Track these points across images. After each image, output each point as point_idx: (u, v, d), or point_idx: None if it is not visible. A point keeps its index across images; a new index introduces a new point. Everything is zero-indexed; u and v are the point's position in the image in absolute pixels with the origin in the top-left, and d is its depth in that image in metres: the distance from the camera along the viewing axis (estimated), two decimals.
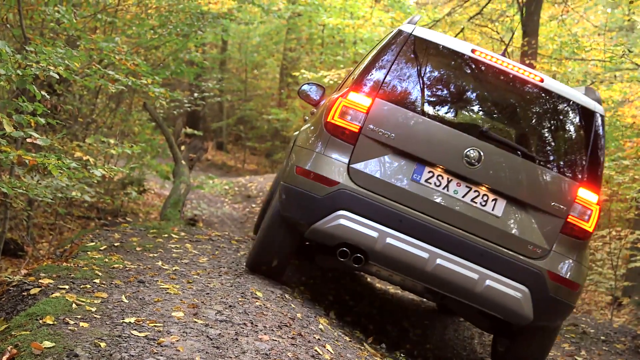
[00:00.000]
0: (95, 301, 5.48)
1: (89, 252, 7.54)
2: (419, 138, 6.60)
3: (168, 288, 6.11)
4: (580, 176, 6.74)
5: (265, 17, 30.21)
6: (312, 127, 7.24)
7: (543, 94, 6.96)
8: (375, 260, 6.64)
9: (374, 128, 6.57)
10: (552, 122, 7.13)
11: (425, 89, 6.91)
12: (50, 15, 9.27)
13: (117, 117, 14.57)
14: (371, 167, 6.58)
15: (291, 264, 8.70)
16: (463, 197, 6.58)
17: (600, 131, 6.88)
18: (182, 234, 9.45)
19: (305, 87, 8.50)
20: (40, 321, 4.87)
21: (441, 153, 6.58)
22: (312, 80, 21.37)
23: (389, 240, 6.45)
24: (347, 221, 6.48)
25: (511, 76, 6.88)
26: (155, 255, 7.79)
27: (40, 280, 6.03)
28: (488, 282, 6.49)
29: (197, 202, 20.03)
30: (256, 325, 5.31)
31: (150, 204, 17.54)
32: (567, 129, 7.15)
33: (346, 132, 6.60)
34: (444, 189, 6.58)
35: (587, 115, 6.89)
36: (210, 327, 5.08)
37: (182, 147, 17.26)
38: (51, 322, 4.84)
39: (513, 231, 6.61)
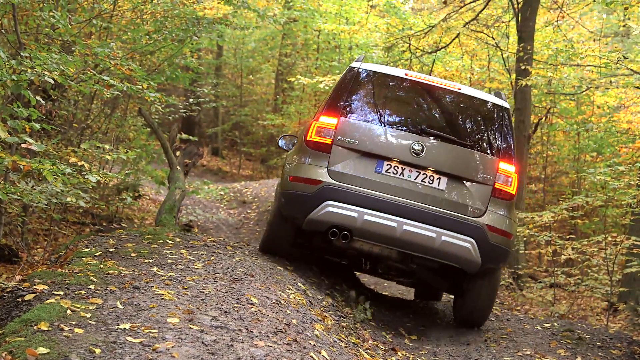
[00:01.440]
0: (90, 307, 5.46)
1: (83, 258, 7.52)
2: (376, 141, 8.91)
3: (163, 294, 6.10)
4: (499, 154, 9.05)
5: (260, 22, 30.28)
6: (297, 147, 9.47)
7: (462, 98, 9.44)
8: (358, 235, 8.79)
9: (342, 139, 8.84)
10: (473, 116, 9.54)
11: (376, 105, 9.32)
12: (45, 21, 9.26)
13: (112, 123, 14.55)
14: (345, 167, 8.81)
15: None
16: (415, 179, 8.79)
17: (508, 121, 9.33)
18: (178, 239, 9.43)
19: (281, 142, 10.62)
20: (35, 327, 4.85)
21: (394, 149, 8.86)
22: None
23: (365, 217, 8.60)
24: (333, 208, 8.66)
25: (437, 87, 9.35)
26: (151, 261, 7.77)
27: (35, 286, 6.01)
28: (444, 238, 8.61)
29: (192, 208, 20.02)
30: (251, 331, 5.30)
31: (145, 209, 17.53)
32: (485, 121, 9.47)
33: (322, 145, 8.87)
34: (400, 175, 8.81)
35: (498, 110, 9.36)
36: (206, 333, 5.06)
37: (178, 153, 17.24)
38: (46, 328, 4.83)
39: (456, 199, 8.81)
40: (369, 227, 8.60)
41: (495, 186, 8.85)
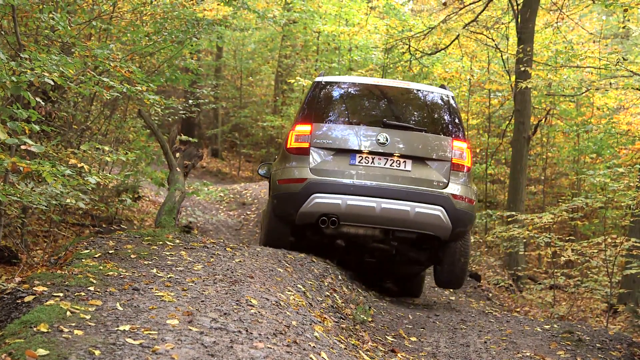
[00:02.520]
0: (90, 309, 5.45)
1: (83, 260, 7.52)
2: (346, 138, 10.41)
3: (163, 295, 6.09)
4: (452, 134, 10.56)
5: (260, 24, 30.33)
6: (280, 156, 10.93)
7: (412, 92, 11.15)
8: (344, 220, 10.21)
9: (317, 141, 10.29)
10: (424, 106, 11.07)
11: (342, 109, 10.87)
12: (44, 22, 9.26)
13: (111, 124, 14.55)
14: (324, 164, 10.28)
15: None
16: (384, 165, 10.25)
17: (456, 106, 10.94)
18: (177, 241, 9.42)
19: (261, 172, 12.43)
20: (35, 329, 4.84)
21: (363, 143, 10.31)
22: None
23: (349, 202, 10.05)
24: (320, 199, 10.11)
25: (390, 87, 11.06)
26: (150, 262, 7.76)
27: (34, 288, 6.01)
28: (417, 209, 10.07)
29: (192, 209, 20.02)
30: (251, 333, 5.29)
31: (145, 211, 17.53)
32: (435, 108, 10.99)
33: (301, 149, 10.29)
34: (371, 163, 10.27)
35: (444, 97, 10.91)
36: (205, 335, 5.06)
37: (177, 154, 17.24)
38: (45, 330, 4.82)
39: (422, 177, 10.25)
40: (352, 210, 10.08)
41: (453, 161, 10.37)
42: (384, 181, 10.13)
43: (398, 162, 10.23)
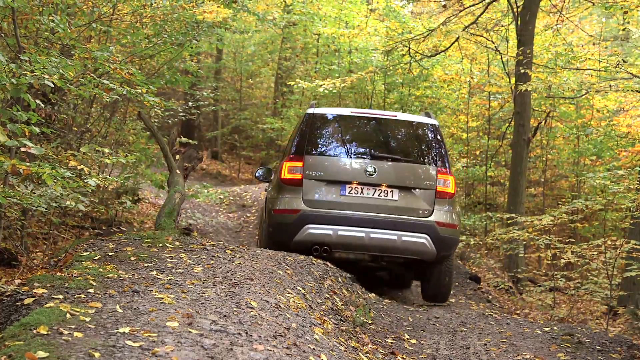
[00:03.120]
0: (90, 311, 5.45)
1: (83, 262, 7.52)
2: (337, 170, 11.04)
3: (162, 298, 6.09)
4: (436, 163, 11.19)
5: (260, 26, 30.32)
6: (275, 184, 11.48)
7: (399, 123, 11.75)
8: (336, 248, 10.98)
9: (309, 173, 10.90)
10: (410, 136, 11.68)
11: (332, 141, 11.40)
12: (44, 25, 9.26)
13: (111, 126, 14.55)
14: (316, 194, 10.93)
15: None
16: (373, 195, 10.94)
17: (440, 136, 11.47)
18: (177, 243, 9.42)
19: (257, 173, 13.14)
20: (34, 331, 4.84)
21: (352, 174, 10.99)
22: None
23: (339, 232, 10.80)
24: (312, 230, 10.83)
25: (378, 117, 11.61)
26: (150, 264, 7.76)
27: (34, 290, 6.01)
28: (403, 238, 10.80)
29: (191, 212, 20.02)
30: (251, 335, 5.29)
31: (144, 213, 17.52)
32: (422, 138, 11.59)
33: (294, 180, 10.91)
34: (360, 194, 10.95)
35: (431, 128, 11.48)
36: (205, 337, 5.06)
37: (177, 156, 17.23)
38: (45, 332, 4.82)
39: (408, 205, 10.97)
40: (343, 240, 10.82)
41: (437, 189, 11.03)
42: (372, 211, 10.88)
43: (386, 191, 10.96)
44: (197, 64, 23.16)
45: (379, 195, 10.93)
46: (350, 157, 11.15)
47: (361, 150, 11.34)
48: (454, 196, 11.30)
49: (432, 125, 11.50)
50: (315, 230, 10.79)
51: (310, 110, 11.42)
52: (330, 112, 11.82)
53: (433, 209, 10.96)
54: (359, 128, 11.66)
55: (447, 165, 11.25)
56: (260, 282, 7.57)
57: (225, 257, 8.86)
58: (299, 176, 10.92)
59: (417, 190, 11.05)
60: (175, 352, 4.64)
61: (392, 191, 10.96)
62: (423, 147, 11.53)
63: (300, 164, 10.92)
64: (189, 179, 21.58)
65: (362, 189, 10.92)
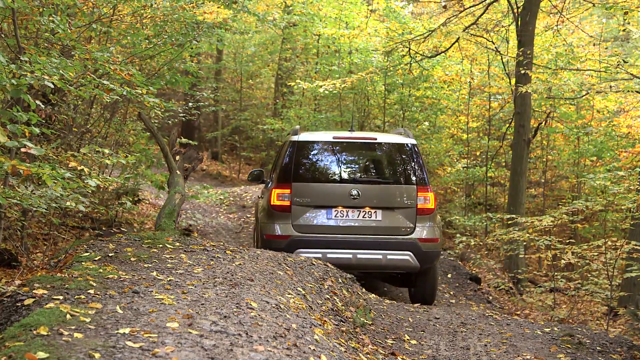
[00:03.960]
0: (90, 312, 5.45)
1: (83, 263, 7.51)
2: (322, 195, 11.58)
3: (163, 298, 6.08)
4: (416, 181, 11.76)
5: (260, 27, 30.33)
6: (265, 208, 11.92)
7: (378, 145, 12.22)
8: None
9: (297, 199, 11.49)
10: (389, 157, 12.18)
11: (317, 166, 11.95)
12: (44, 25, 9.26)
13: (111, 127, 14.55)
14: (304, 219, 11.53)
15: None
16: (358, 217, 11.57)
17: (418, 154, 11.94)
18: (177, 244, 9.42)
19: (249, 178, 14.13)
20: (34, 332, 4.84)
21: (337, 198, 11.55)
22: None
23: (328, 255, 11.32)
24: (303, 254, 10.98)
25: (358, 141, 12.23)
26: (150, 265, 7.76)
27: (34, 291, 6.00)
28: (388, 256, 11.48)
29: (192, 212, 20.01)
30: (251, 336, 5.28)
31: (144, 214, 17.52)
32: (401, 158, 12.07)
33: (284, 207, 11.48)
34: (346, 217, 11.58)
35: (408, 148, 11.93)
36: (205, 338, 5.05)
37: (177, 157, 17.22)
38: (45, 333, 4.81)
39: (392, 224, 11.59)
40: (332, 261, 10.96)
41: (418, 207, 11.65)
42: (358, 232, 11.57)
43: (369, 213, 11.57)
44: (197, 64, 23.13)
45: (363, 217, 11.58)
46: (335, 182, 11.78)
47: (344, 174, 12.00)
48: (434, 211, 11.93)
49: (410, 144, 11.99)
50: (306, 254, 11.09)
51: (294, 138, 11.87)
52: (314, 138, 12.23)
53: (415, 226, 11.62)
54: (342, 153, 12.18)
55: (426, 182, 11.85)
56: (260, 283, 7.57)
57: (225, 258, 8.86)
58: (287, 203, 11.51)
59: (399, 209, 11.71)
60: (176, 353, 4.63)
61: (375, 212, 11.58)
62: (402, 167, 12.07)
63: (288, 190, 11.51)
64: (189, 179, 21.57)
65: (347, 212, 11.57)
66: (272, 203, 11.61)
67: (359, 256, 11.49)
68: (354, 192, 11.51)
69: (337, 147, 12.13)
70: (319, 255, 11.18)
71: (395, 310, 10.71)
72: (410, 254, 11.52)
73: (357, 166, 12.36)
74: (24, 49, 8.64)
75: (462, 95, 25.23)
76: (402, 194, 11.79)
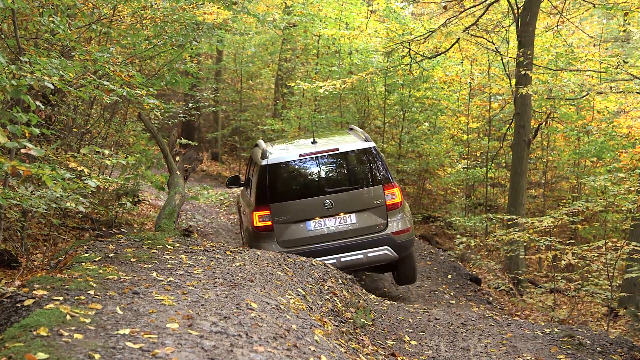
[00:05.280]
0: (90, 312, 5.44)
1: (83, 263, 7.51)
2: (299, 210, 12.35)
3: (163, 299, 6.08)
4: (381, 181, 12.68)
5: (260, 27, 30.27)
6: (250, 230, 12.78)
7: (341, 154, 12.82)
8: None
9: (277, 218, 12.30)
10: (356, 164, 12.93)
11: (291, 184, 12.68)
12: (44, 26, 9.25)
13: (111, 128, 14.54)
14: (287, 235, 12.31)
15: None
16: (334, 224, 12.41)
17: (378, 155, 12.89)
18: (177, 244, 9.42)
19: (231, 179, 15.06)
20: (34, 333, 4.84)
21: (313, 211, 12.38)
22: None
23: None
24: None
25: (323, 153, 12.73)
26: (150, 266, 7.76)
27: (34, 292, 6.00)
28: (369, 254, 12.40)
29: (192, 213, 19.99)
30: (251, 337, 5.28)
31: (144, 214, 17.51)
32: (364, 162, 12.88)
33: (266, 227, 12.29)
34: (324, 226, 12.40)
35: (368, 151, 12.80)
36: (205, 339, 5.05)
37: (177, 158, 17.22)
38: (45, 334, 4.81)
39: (366, 224, 12.47)
40: None
41: (387, 203, 12.57)
42: (337, 237, 12.40)
43: (344, 218, 12.46)
44: (197, 65, 23.13)
45: (339, 223, 12.46)
46: (309, 196, 12.52)
47: (316, 187, 12.68)
48: (401, 204, 12.86)
49: (370, 148, 12.85)
50: None
51: (264, 162, 12.56)
52: (282, 158, 12.71)
53: (387, 222, 12.56)
54: (310, 167, 12.87)
55: (390, 180, 12.80)
56: (260, 284, 7.56)
57: (225, 259, 8.86)
58: (269, 223, 12.32)
59: (370, 209, 12.59)
60: (176, 354, 4.63)
61: (349, 216, 12.49)
62: (367, 170, 12.90)
63: (267, 212, 12.33)
64: (189, 180, 21.56)
65: (324, 221, 12.43)
66: (255, 225, 12.42)
67: (342, 259, 12.31)
68: (327, 202, 12.40)
69: (304, 163, 12.84)
70: None
71: (395, 311, 10.71)
72: (388, 247, 12.48)
73: (325, 177, 12.91)
74: (24, 49, 8.64)
75: (463, 95, 25.22)
76: (370, 195, 12.64)
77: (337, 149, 12.81)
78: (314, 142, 13.09)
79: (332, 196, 12.46)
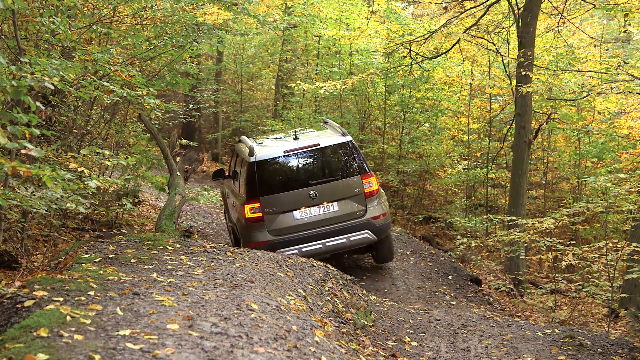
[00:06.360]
0: (90, 313, 5.44)
1: (83, 264, 7.51)
2: (286, 201, 13.37)
3: (163, 300, 6.08)
4: (359, 171, 13.73)
5: (260, 28, 30.25)
6: (242, 222, 13.63)
7: (322, 149, 13.81)
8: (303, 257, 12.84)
9: (267, 209, 13.30)
10: (332, 157, 13.95)
11: (278, 178, 13.70)
12: (45, 27, 9.25)
13: (112, 129, 14.55)
14: (276, 225, 13.34)
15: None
16: (319, 212, 13.46)
17: (355, 147, 13.93)
18: (177, 245, 9.41)
19: (216, 172, 16.34)
20: (35, 333, 4.83)
21: (299, 201, 13.41)
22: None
23: (303, 249, 13.25)
24: (282, 253, 12.06)
25: (306, 149, 13.73)
26: (150, 267, 7.75)
27: (34, 293, 6.00)
28: (351, 238, 13.48)
29: (192, 214, 19.98)
30: (251, 338, 5.28)
31: (145, 215, 17.50)
32: (343, 155, 13.91)
33: (257, 218, 13.29)
34: (310, 215, 13.44)
35: (346, 145, 13.89)
36: (206, 340, 5.04)
37: (177, 159, 17.24)
38: (45, 335, 4.81)
39: (347, 211, 13.53)
40: (306, 254, 13.08)
41: (365, 191, 13.69)
42: (322, 224, 13.44)
43: (327, 206, 13.52)
44: (198, 66, 23.13)
45: (323, 211, 13.51)
46: (294, 188, 13.53)
47: (301, 180, 13.72)
48: (378, 191, 14.06)
49: (347, 142, 13.98)
50: (284, 252, 12.70)
51: (252, 159, 13.53)
52: (268, 155, 13.72)
53: (366, 208, 13.69)
54: (294, 162, 13.93)
55: (367, 170, 13.91)
56: (260, 285, 7.56)
57: (225, 260, 8.85)
58: (259, 214, 13.32)
59: (350, 198, 13.68)
60: (176, 355, 4.62)
61: (332, 204, 13.56)
62: (346, 162, 13.97)
63: (258, 204, 13.33)
64: (189, 181, 21.55)
65: (309, 210, 13.48)
66: (247, 216, 13.39)
67: (327, 244, 13.46)
68: (312, 193, 13.46)
69: (289, 159, 13.90)
70: (295, 251, 13.17)
71: (396, 312, 10.70)
72: (368, 231, 13.62)
73: (309, 170, 13.95)
74: (24, 50, 8.63)
75: (463, 96, 25.22)
76: (350, 184, 13.73)
77: (318, 144, 13.89)
78: (296, 139, 14.19)
79: (315, 187, 13.53)
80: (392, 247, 15.13)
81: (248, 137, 15.26)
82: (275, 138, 15.59)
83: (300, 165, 14.01)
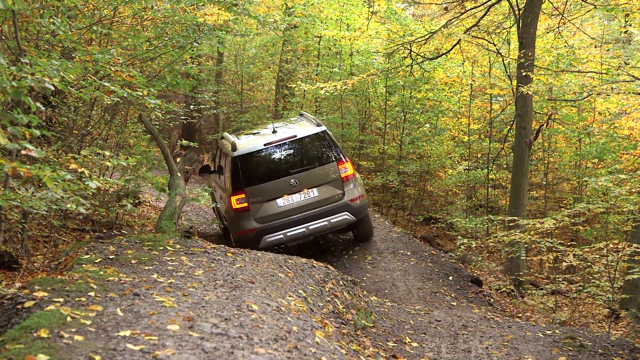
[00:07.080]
0: (90, 314, 5.44)
1: (83, 265, 7.50)
2: (269, 190, 14.30)
3: (163, 301, 6.07)
4: (335, 158, 14.71)
5: (261, 29, 30.24)
6: (230, 212, 14.60)
7: (299, 139, 14.72)
8: (288, 242, 14.84)
9: (252, 199, 14.25)
10: (309, 146, 14.88)
11: (260, 170, 14.50)
12: (45, 27, 9.24)
13: (112, 129, 14.54)
14: (261, 213, 14.30)
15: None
16: (300, 199, 14.38)
17: (330, 136, 14.94)
18: (178, 246, 9.41)
19: (203, 168, 16.70)
20: (35, 334, 4.83)
21: (281, 189, 14.33)
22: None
23: (288, 234, 14.30)
24: (269, 239, 14.30)
25: (284, 140, 14.63)
26: (151, 267, 7.75)
27: (34, 293, 5.99)
28: (332, 220, 14.46)
29: (192, 215, 19.97)
30: (252, 338, 5.27)
31: (145, 216, 17.50)
32: (319, 144, 14.88)
33: (244, 208, 14.26)
34: (292, 202, 14.36)
35: (321, 134, 14.83)
36: (206, 340, 5.04)
37: (178, 159, 17.23)
38: (46, 336, 4.80)
39: (326, 196, 14.49)
40: (291, 238, 14.50)
41: (342, 176, 14.68)
42: (304, 210, 14.41)
43: (307, 193, 14.47)
44: (198, 66, 23.12)
45: (304, 197, 14.44)
46: (276, 178, 14.42)
47: (282, 169, 14.56)
48: (354, 175, 15.08)
49: (322, 131, 14.96)
50: (271, 238, 14.32)
51: (235, 154, 14.41)
52: (249, 149, 14.58)
53: (344, 192, 14.68)
54: (275, 153, 14.76)
55: (342, 157, 14.86)
56: (261, 285, 7.56)
57: (226, 260, 8.85)
58: (245, 204, 14.27)
59: (328, 183, 14.65)
60: (176, 355, 4.62)
61: (312, 190, 14.51)
62: (322, 150, 14.90)
63: (243, 195, 14.27)
64: (189, 181, 21.53)
65: (291, 197, 14.40)
66: (234, 207, 14.34)
67: (310, 227, 14.44)
68: (292, 181, 14.37)
69: (269, 151, 14.71)
70: (281, 236, 14.34)
71: (396, 312, 10.69)
72: (347, 212, 14.64)
73: (288, 160, 14.78)
74: (24, 50, 8.63)
75: (464, 97, 25.21)
76: (327, 171, 14.69)
77: (295, 136, 14.83)
78: (274, 132, 15.07)
79: (295, 176, 14.46)
80: (371, 225, 16.35)
81: (230, 134, 16.10)
82: (255, 133, 16.13)
83: (280, 156, 14.84)
